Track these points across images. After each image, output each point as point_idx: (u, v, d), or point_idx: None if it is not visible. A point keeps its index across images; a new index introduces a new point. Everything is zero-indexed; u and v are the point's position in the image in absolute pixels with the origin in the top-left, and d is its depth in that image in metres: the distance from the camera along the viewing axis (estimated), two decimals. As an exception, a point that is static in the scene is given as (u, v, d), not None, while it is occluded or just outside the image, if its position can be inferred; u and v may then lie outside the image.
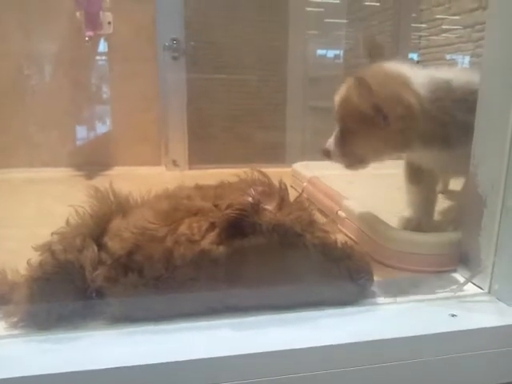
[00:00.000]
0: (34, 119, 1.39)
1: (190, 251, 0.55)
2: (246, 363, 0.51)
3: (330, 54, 2.28)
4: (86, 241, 0.56)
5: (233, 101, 1.63)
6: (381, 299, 0.62)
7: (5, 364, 0.48)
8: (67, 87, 1.40)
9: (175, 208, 0.59)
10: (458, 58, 1.44)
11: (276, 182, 0.66)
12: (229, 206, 0.56)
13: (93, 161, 1.43)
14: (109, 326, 0.55)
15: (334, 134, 0.79)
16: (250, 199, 0.57)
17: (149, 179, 1.38)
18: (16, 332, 0.53)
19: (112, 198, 0.63)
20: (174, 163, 1.44)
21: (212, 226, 0.57)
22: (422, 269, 0.73)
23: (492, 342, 0.56)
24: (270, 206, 0.60)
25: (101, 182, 1.31)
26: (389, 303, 0.61)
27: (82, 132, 1.44)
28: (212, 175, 1.39)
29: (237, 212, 0.56)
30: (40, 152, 1.38)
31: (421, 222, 0.82)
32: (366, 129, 0.73)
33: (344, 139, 0.77)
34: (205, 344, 0.52)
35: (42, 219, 0.97)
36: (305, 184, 1.16)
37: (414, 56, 1.71)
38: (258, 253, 0.56)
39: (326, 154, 0.81)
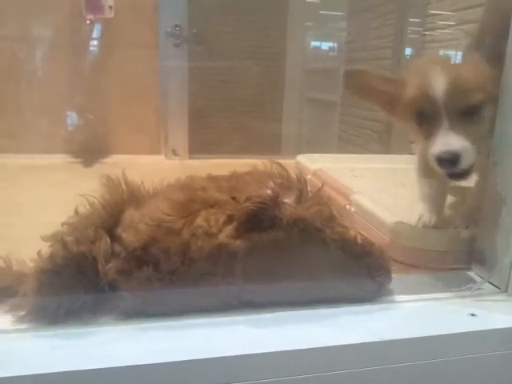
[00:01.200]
0: (31, 104, 1.35)
1: (207, 244, 0.53)
2: (263, 362, 0.49)
3: (329, 46, 2.26)
4: (98, 232, 0.54)
5: (233, 90, 1.61)
6: (398, 297, 0.61)
7: (12, 361, 0.46)
8: (66, 72, 1.36)
9: (191, 199, 0.57)
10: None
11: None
12: (248, 199, 0.55)
13: (91, 148, 1.40)
14: (121, 321, 0.53)
15: (446, 130, 0.62)
16: (269, 192, 0.56)
17: (148, 168, 1.35)
18: (23, 326, 0.51)
19: (124, 187, 0.61)
20: (174, 152, 1.41)
21: (229, 218, 0.55)
22: (435, 266, 0.71)
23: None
24: (288, 200, 0.58)
25: (99, 170, 1.29)
26: (407, 301, 0.60)
27: (79, 118, 1.40)
28: (213, 165, 1.38)
29: (256, 205, 0.54)
30: (37, 138, 1.34)
31: (432, 217, 0.80)
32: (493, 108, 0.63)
33: (471, 128, 0.62)
34: (221, 342, 0.50)
35: (41, 207, 0.94)
36: (309, 177, 1.14)
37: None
38: (277, 247, 0.55)
39: (454, 162, 0.61)
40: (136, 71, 1.41)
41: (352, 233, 0.59)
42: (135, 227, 0.54)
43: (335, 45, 2.22)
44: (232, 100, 1.59)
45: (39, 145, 1.35)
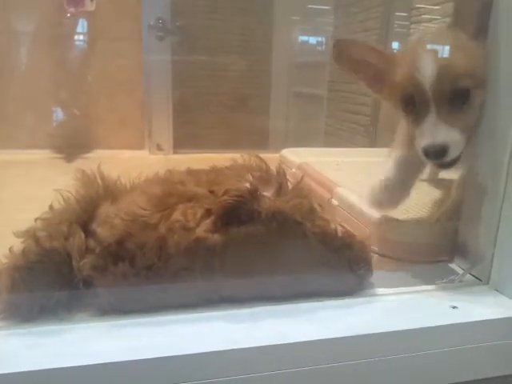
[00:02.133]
0: (11, 99, 1.32)
1: (184, 239, 0.52)
2: (241, 358, 0.48)
3: (316, 40, 2.25)
4: (72, 227, 0.53)
5: (218, 84, 1.59)
6: (379, 290, 0.60)
7: (-16, 359, 0.44)
8: (47, 66, 1.34)
9: (168, 193, 0.56)
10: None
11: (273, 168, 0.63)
12: (226, 192, 0.54)
13: (73, 143, 1.37)
14: (97, 318, 0.51)
15: (434, 120, 0.59)
16: (247, 185, 0.55)
17: (131, 163, 1.34)
18: (-4, 324, 0.50)
19: (100, 181, 0.59)
20: (158, 147, 1.39)
21: (207, 212, 0.54)
22: (418, 259, 0.71)
23: (493, 334, 0.55)
24: (267, 193, 0.57)
25: (81, 165, 1.25)
26: (388, 294, 0.59)
27: (62, 113, 1.38)
28: (198, 160, 1.37)
29: (234, 198, 0.53)
30: (18, 133, 1.32)
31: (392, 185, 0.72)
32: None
33: (461, 115, 0.60)
34: (199, 339, 0.49)
35: (19, 203, 0.92)
36: (293, 170, 1.13)
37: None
38: (256, 241, 0.54)
39: (442, 154, 0.60)
40: (119, 65, 1.39)
41: (332, 226, 0.58)
42: (110, 222, 0.53)
43: (322, 39, 2.22)
44: (218, 94, 1.58)
45: (21, 140, 1.33)
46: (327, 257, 0.57)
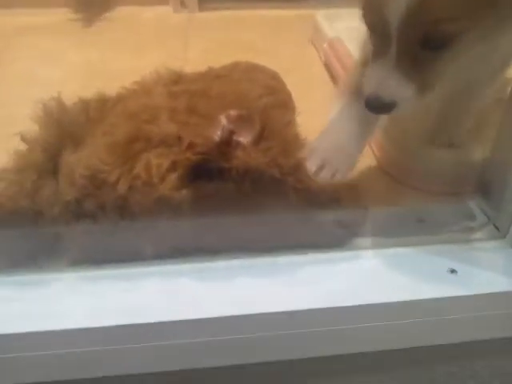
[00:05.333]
0: None
1: (146, 198, 0.47)
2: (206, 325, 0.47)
3: None
4: (39, 180, 0.49)
5: None
6: (374, 240, 0.54)
7: None
8: None
9: (134, 137, 0.50)
10: None
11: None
12: (189, 147, 0.47)
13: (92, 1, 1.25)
14: (67, 268, 0.51)
15: (389, 65, 0.43)
16: (216, 137, 0.47)
17: (153, 24, 1.22)
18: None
19: (64, 116, 0.53)
20: (182, 4, 1.24)
21: (174, 164, 0.48)
22: (435, 188, 0.63)
23: (499, 305, 0.49)
24: (245, 138, 0.49)
25: (98, 30, 1.17)
26: (380, 247, 0.53)
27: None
28: (225, 19, 1.21)
29: (198, 156, 0.46)
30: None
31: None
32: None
33: (430, 67, 0.43)
34: (165, 302, 0.47)
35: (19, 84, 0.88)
36: (324, 45, 0.97)
37: None
38: (227, 199, 0.49)
39: (384, 111, 0.46)
40: None
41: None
42: (70, 176, 0.49)
43: None
44: None
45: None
46: (310, 213, 0.50)
